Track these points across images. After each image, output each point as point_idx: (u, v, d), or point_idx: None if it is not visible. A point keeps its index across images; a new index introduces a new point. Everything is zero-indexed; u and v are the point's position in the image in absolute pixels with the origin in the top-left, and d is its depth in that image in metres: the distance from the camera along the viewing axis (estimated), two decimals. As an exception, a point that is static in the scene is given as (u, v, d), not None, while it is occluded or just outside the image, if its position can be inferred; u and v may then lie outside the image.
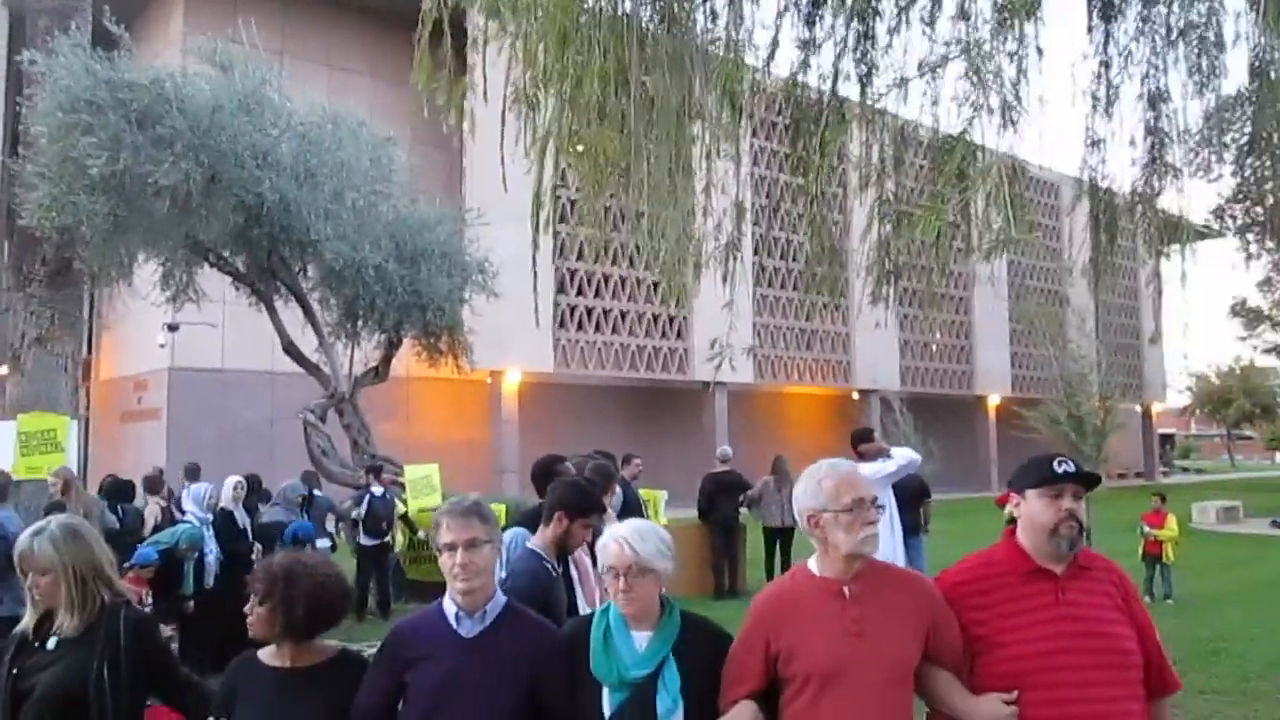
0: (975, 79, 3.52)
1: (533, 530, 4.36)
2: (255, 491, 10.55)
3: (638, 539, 2.89)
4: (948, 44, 4.36)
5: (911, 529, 10.64)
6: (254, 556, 9.41)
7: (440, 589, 3.05)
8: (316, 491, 11.74)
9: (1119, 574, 2.91)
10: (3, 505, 7.71)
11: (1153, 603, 11.63)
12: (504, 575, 4.61)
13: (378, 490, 11.99)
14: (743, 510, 13.22)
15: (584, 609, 4.53)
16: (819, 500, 2.84)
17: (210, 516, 9.32)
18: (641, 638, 2.91)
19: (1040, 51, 3.81)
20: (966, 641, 2.81)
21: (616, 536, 2.92)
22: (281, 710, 2.89)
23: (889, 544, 7.49)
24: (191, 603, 8.64)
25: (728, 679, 2.87)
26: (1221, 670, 8.43)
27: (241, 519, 9.53)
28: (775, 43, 4.85)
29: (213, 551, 9.11)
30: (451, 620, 2.95)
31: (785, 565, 12.57)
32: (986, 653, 2.78)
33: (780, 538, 12.93)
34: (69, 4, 12.22)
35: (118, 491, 10.00)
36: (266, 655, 2.99)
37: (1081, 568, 2.83)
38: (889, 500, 7.65)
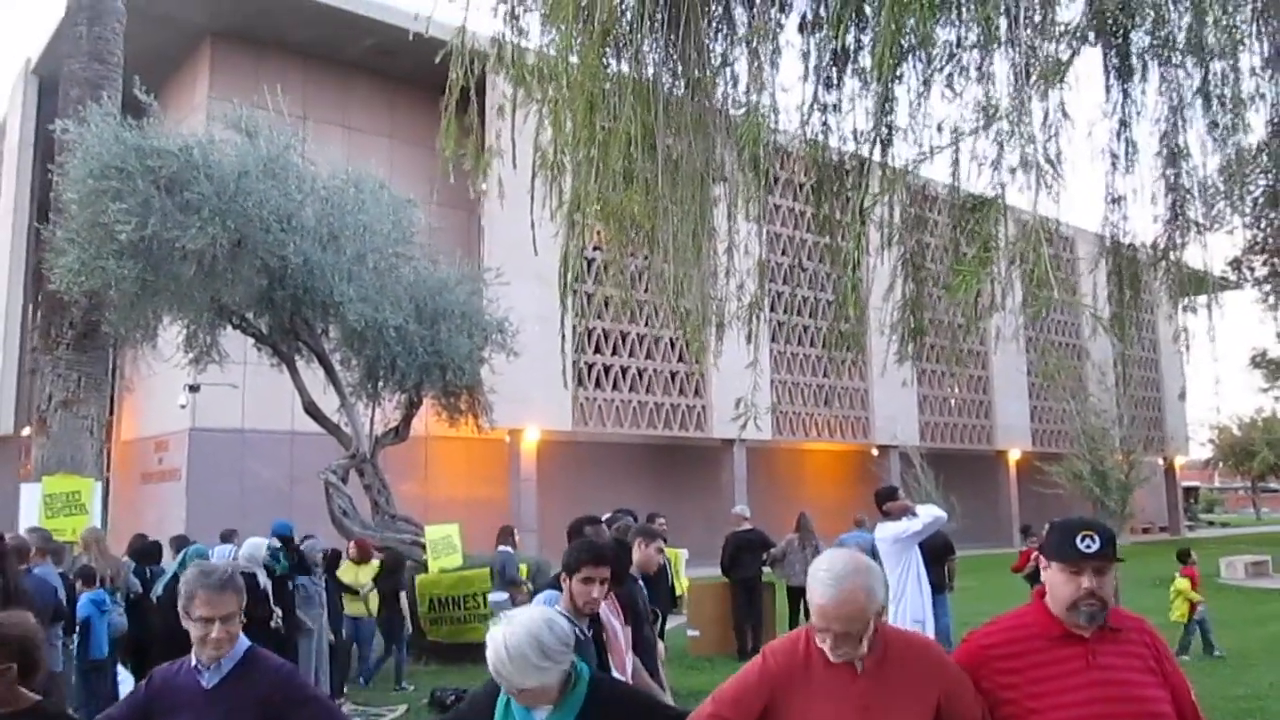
0: (1007, 142, 3.57)
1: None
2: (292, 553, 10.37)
3: (510, 669, 2.74)
4: (975, 108, 4.42)
5: (936, 587, 10.53)
6: (274, 623, 9.33)
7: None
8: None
9: (1151, 634, 2.85)
10: (43, 563, 7.74)
11: (1197, 660, 11.52)
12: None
13: None
14: (766, 569, 13.08)
15: (615, 671, 4.51)
16: (813, 604, 2.74)
17: (232, 579, 9.28)
18: (541, 713, 2.85)
19: (1065, 114, 3.87)
20: (996, 706, 2.75)
21: (490, 654, 2.79)
22: None
23: (917, 602, 7.45)
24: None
25: (730, 695, 2.82)
26: (1258, 730, 8.27)
27: (264, 583, 9.47)
28: (812, 107, 4.92)
29: (234, 614, 9.06)
30: (196, 673, 3.18)
31: (810, 625, 12.40)
32: (1017, 716, 2.73)
33: (805, 596, 12.77)
34: (100, 74, 12.59)
35: (145, 554, 9.95)
36: None
37: (1112, 630, 2.77)
38: (915, 557, 7.61)
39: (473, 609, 12.11)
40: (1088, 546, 2.74)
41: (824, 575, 2.71)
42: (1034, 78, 3.59)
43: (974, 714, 2.74)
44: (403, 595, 11.67)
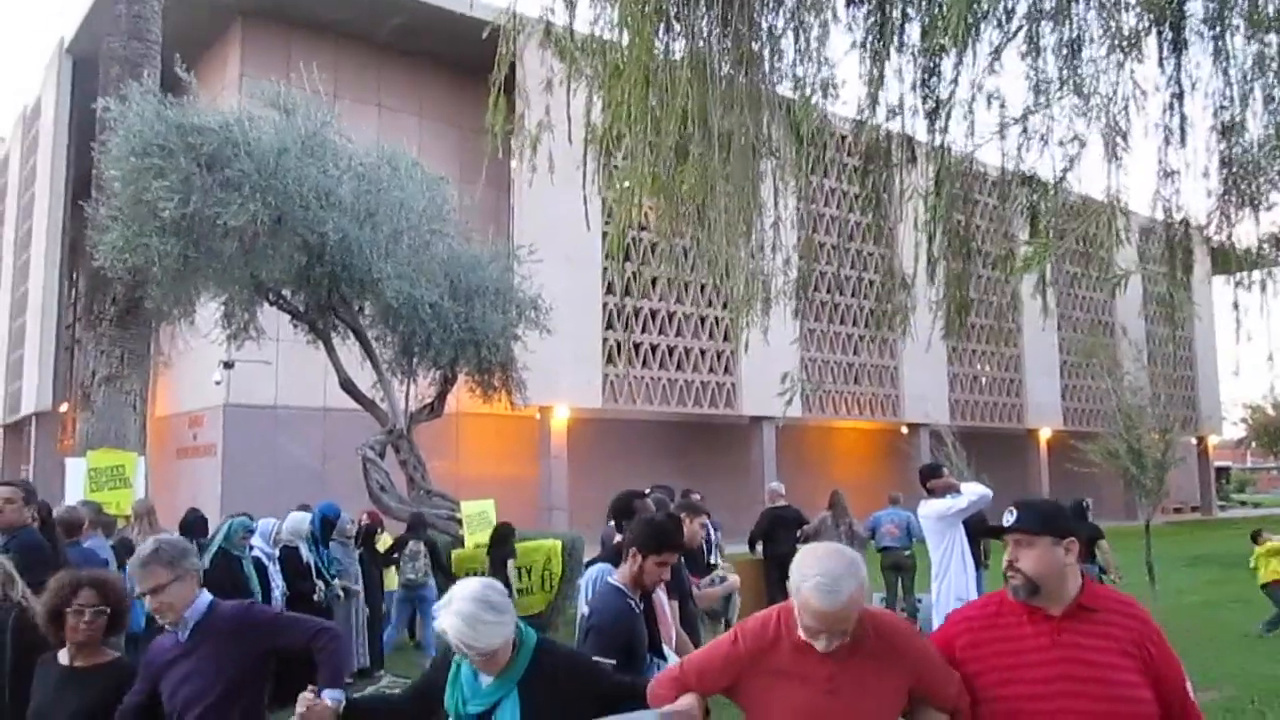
0: (1076, 115, 3.54)
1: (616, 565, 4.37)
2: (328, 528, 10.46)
3: (472, 635, 2.95)
4: (1031, 84, 4.37)
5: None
6: (317, 595, 9.43)
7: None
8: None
9: (1138, 617, 2.75)
10: (94, 534, 7.88)
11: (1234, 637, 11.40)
12: (586, 611, 4.65)
13: None
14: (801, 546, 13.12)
15: (663, 643, 4.54)
16: (809, 608, 2.63)
17: (276, 552, 9.38)
18: (487, 678, 3.07)
19: (1137, 85, 3.82)
20: (965, 679, 2.75)
21: (450, 633, 2.96)
22: (57, 695, 3.79)
23: (961, 580, 7.43)
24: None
25: (697, 664, 2.89)
26: (1295, 710, 8.21)
27: (307, 556, 9.57)
28: (877, 80, 4.89)
29: (278, 588, 9.15)
30: (173, 634, 3.63)
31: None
32: (982, 690, 2.73)
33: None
34: (139, 52, 12.67)
35: (188, 527, 10.07)
36: (63, 655, 3.87)
37: (1084, 609, 2.72)
38: (959, 535, 7.58)
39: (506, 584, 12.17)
40: (1005, 520, 2.80)
41: (822, 581, 2.58)
42: (1105, 49, 3.56)
43: (947, 689, 2.74)
44: (510, 563, 11.63)
